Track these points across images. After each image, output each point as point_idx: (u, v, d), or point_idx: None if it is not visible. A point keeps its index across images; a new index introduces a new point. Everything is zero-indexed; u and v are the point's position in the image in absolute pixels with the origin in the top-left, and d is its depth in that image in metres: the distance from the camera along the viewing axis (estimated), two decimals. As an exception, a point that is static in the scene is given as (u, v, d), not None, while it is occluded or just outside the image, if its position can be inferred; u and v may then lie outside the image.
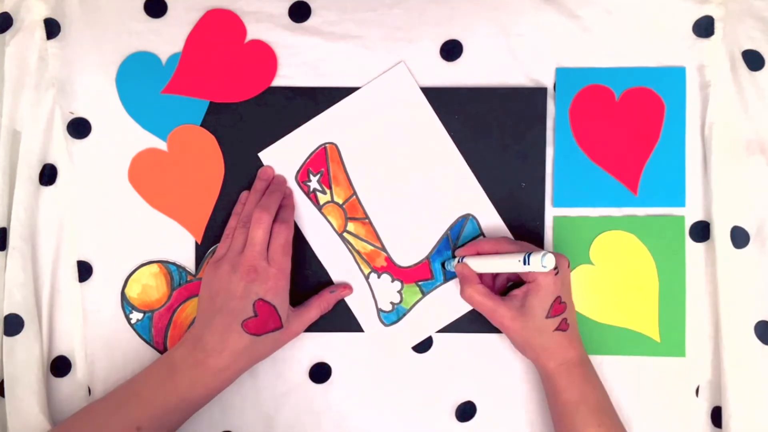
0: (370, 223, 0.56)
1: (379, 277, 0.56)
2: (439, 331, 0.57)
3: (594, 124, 0.56)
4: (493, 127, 0.57)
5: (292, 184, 0.56)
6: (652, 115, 0.56)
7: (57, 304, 0.56)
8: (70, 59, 0.57)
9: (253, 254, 0.51)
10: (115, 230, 0.57)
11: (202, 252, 0.57)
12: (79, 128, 0.57)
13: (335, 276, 0.57)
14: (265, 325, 0.50)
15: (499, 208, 0.56)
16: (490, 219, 0.56)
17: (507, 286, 0.55)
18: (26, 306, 0.54)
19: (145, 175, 0.57)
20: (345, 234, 0.56)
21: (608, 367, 0.56)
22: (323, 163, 0.56)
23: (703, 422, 0.56)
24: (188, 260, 0.57)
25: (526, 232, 0.56)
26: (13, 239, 0.54)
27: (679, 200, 0.56)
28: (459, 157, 0.56)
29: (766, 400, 0.53)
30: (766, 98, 0.55)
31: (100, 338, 0.56)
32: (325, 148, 0.56)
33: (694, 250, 0.56)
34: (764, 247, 0.54)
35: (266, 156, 0.56)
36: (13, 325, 0.54)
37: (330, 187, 0.56)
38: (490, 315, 0.51)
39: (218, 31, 0.57)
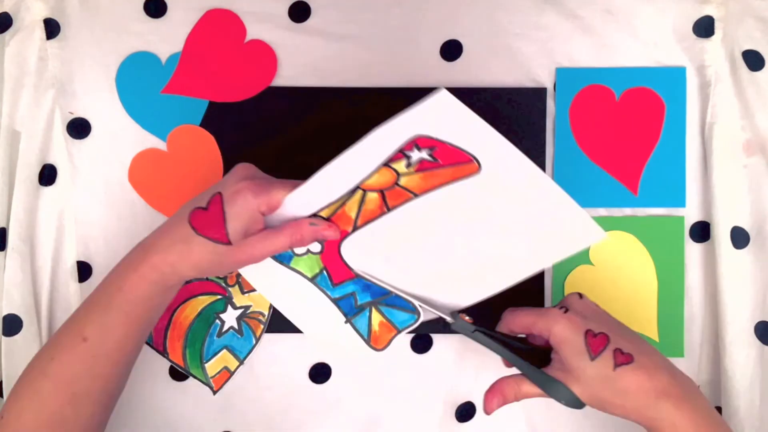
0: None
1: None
2: (439, 332, 0.57)
3: (594, 124, 0.56)
4: (493, 127, 0.56)
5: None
6: (652, 115, 0.56)
7: (56, 304, 0.56)
8: (69, 59, 0.57)
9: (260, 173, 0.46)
10: (115, 230, 0.57)
11: (201, 252, 0.57)
12: (78, 128, 0.57)
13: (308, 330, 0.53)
14: (208, 225, 0.44)
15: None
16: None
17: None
18: (25, 306, 0.54)
19: (145, 175, 0.57)
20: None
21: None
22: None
23: (703, 422, 0.56)
24: (188, 260, 0.57)
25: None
26: (13, 239, 0.54)
27: (679, 200, 0.56)
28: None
29: (766, 401, 0.53)
30: (766, 98, 0.55)
31: (100, 338, 0.56)
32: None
33: (693, 250, 0.56)
34: (764, 248, 0.54)
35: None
36: (12, 325, 0.54)
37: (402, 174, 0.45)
38: (547, 396, 0.45)
39: (218, 31, 0.57)
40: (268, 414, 0.56)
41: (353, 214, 0.47)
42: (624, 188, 0.56)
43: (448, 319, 0.47)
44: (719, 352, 0.54)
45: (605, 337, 0.43)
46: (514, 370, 0.47)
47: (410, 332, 0.52)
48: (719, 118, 0.55)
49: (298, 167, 0.55)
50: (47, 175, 0.56)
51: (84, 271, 0.57)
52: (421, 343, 0.57)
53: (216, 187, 0.45)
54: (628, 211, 0.56)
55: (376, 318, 0.50)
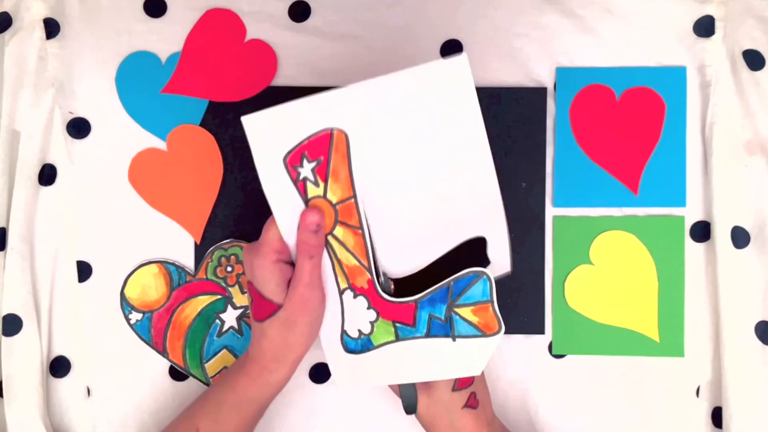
0: (363, 235, 0.45)
1: (354, 297, 0.47)
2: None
3: (594, 124, 0.56)
4: (493, 127, 0.56)
5: (278, 164, 0.44)
6: (652, 115, 0.56)
7: (56, 304, 0.56)
8: (69, 59, 0.57)
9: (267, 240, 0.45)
10: (114, 230, 0.57)
11: (201, 252, 0.57)
12: (78, 128, 0.57)
13: None
14: (261, 309, 0.45)
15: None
16: (499, 253, 0.49)
17: None
18: (25, 306, 0.54)
19: (144, 175, 0.57)
20: (329, 237, 0.46)
21: (608, 368, 0.56)
22: (324, 151, 0.44)
23: (704, 423, 0.56)
24: (187, 260, 0.57)
25: (527, 232, 0.56)
26: (12, 239, 0.54)
27: (680, 200, 0.56)
28: (492, 177, 0.46)
29: (766, 401, 0.53)
30: (766, 98, 0.55)
31: (100, 339, 0.56)
32: (331, 132, 0.44)
33: (694, 250, 0.56)
34: (765, 248, 0.54)
35: (250, 123, 0.43)
36: (12, 325, 0.54)
37: (326, 181, 0.45)
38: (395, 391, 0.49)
39: (218, 30, 0.57)
40: (268, 414, 0.56)
41: (352, 260, 0.46)
42: (624, 188, 0.56)
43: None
44: (719, 352, 0.54)
45: (471, 379, 0.48)
46: None
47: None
48: (720, 117, 0.55)
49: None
50: (47, 175, 0.56)
51: (84, 271, 0.57)
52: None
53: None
54: (628, 211, 0.56)
55: (466, 312, 0.47)
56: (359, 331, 0.48)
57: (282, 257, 0.45)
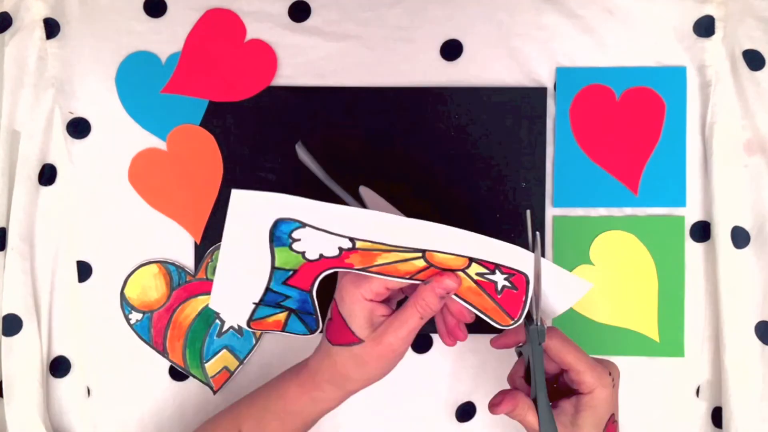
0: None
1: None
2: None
3: (594, 124, 0.56)
4: (493, 127, 0.57)
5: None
6: (652, 115, 0.56)
7: (56, 304, 0.56)
8: (69, 59, 0.57)
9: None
10: (114, 230, 0.57)
11: (201, 252, 0.57)
12: (78, 128, 0.57)
13: None
14: (338, 334, 0.44)
15: (499, 209, 0.56)
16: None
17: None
18: (25, 306, 0.54)
19: (144, 175, 0.57)
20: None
21: (608, 368, 0.56)
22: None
23: (703, 422, 0.56)
24: (187, 260, 0.57)
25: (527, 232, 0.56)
26: (12, 239, 0.54)
27: (680, 200, 0.56)
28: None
29: (766, 401, 0.53)
30: (766, 98, 0.55)
31: (100, 339, 0.56)
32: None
33: (694, 250, 0.56)
34: (765, 248, 0.54)
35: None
36: (12, 325, 0.54)
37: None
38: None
39: (218, 30, 0.57)
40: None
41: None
42: (624, 188, 0.56)
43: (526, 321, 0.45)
44: (719, 352, 0.54)
45: (617, 427, 0.45)
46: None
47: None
48: (719, 117, 0.55)
49: (299, 167, 0.55)
50: (47, 175, 0.56)
51: (84, 271, 0.57)
52: (421, 343, 0.57)
53: (335, 298, 0.45)
54: (628, 211, 0.56)
55: (275, 318, 0.48)
56: None
57: (376, 298, 0.44)
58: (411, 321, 0.43)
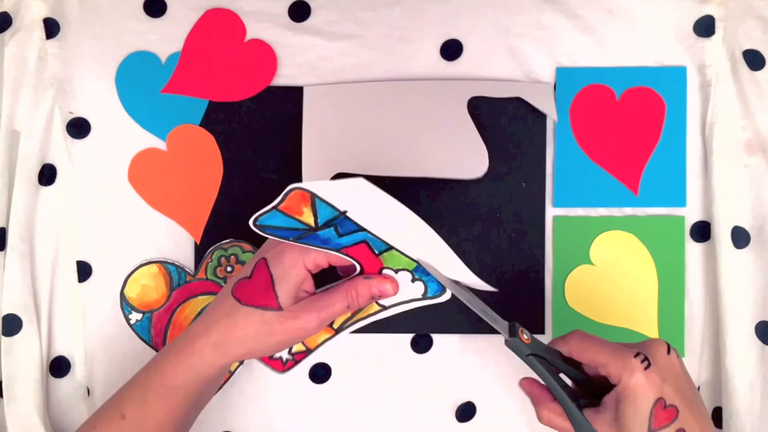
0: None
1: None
2: (439, 332, 0.56)
3: (594, 124, 0.56)
4: (493, 127, 0.56)
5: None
6: (652, 114, 0.56)
7: (56, 304, 0.56)
8: (69, 59, 0.57)
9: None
10: (114, 230, 0.57)
11: (201, 252, 0.57)
12: (78, 128, 0.57)
13: None
14: (255, 294, 0.42)
15: (499, 209, 0.56)
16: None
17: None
18: (25, 306, 0.54)
19: (144, 175, 0.57)
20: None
21: (608, 368, 0.56)
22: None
23: (704, 422, 0.56)
24: (187, 260, 0.57)
25: (527, 232, 0.56)
26: (12, 239, 0.54)
27: (680, 200, 0.56)
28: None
29: (766, 401, 0.53)
30: (766, 98, 0.55)
31: (100, 339, 0.56)
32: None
33: (694, 250, 0.56)
34: (765, 247, 0.54)
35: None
36: (12, 325, 0.54)
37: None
38: None
39: (218, 30, 0.57)
40: (268, 414, 0.56)
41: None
42: (624, 188, 0.56)
43: (505, 335, 0.44)
44: (720, 352, 0.54)
45: (674, 412, 0.40)
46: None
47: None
48: (720, 117, 0.55)
49: (300, 167, 0.55)
50: (47, 175, 0.56)
51: (84, 271, 0.57)
52: (421, 343, 0.57)
53: (257, 256, 0.44)
54: (628, 211, 0.56)
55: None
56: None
57: (315, 271, 0.43)
58: (336, 306, 0.43)
